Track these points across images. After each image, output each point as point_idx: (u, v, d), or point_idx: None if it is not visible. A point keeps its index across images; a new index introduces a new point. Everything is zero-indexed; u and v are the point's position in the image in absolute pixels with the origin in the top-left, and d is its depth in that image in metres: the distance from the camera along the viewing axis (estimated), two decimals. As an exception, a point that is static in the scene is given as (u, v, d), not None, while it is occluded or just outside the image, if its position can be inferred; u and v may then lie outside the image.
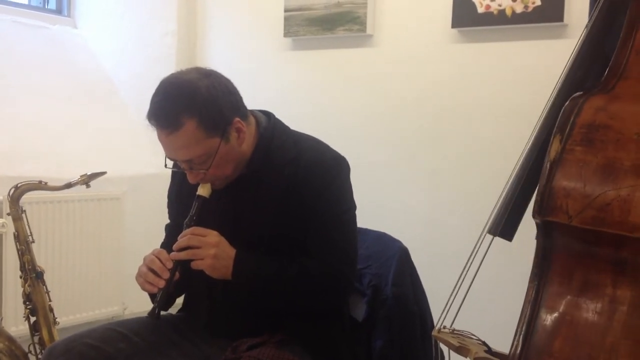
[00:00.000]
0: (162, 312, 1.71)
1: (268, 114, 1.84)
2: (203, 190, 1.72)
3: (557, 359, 0.98)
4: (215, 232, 1.68)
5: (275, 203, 1.72)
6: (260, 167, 1.75)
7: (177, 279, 1.69)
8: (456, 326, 1.28)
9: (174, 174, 1.92)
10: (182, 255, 1.66)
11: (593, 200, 0.94)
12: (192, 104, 1.61)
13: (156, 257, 1.69)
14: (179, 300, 1.93)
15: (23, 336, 2.48)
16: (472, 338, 1.26)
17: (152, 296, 1.71)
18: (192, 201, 1.73)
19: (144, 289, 1.71)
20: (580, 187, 0.96)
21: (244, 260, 1.68)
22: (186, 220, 1.72)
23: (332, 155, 1.78)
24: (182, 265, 1.69)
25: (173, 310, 1.91)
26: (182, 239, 1.67)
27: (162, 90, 1.66)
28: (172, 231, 1.88)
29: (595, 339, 0.96)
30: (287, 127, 1.84)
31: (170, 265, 1.67)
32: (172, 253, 1.68)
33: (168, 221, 1.97)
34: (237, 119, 1.68)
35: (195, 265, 1.66)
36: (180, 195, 1.88)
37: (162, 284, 1.66)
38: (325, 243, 1.72)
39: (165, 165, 1.75)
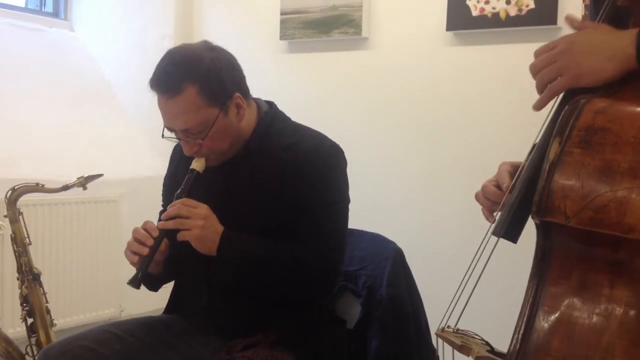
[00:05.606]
0: (158, 311, 1.71)
1: (270, 103, 1.87)
2: (197, 165, 1.72)
3: (555, 358, 0.99)
4: (205, 206, 1.68)
5: (270, 186, 1.72)
6: (257, 148, 1.76)
7: (163, 249, 1.69)
8: (459, 326, 1.29)
9: (171, 161, 1.94)
10: (170, 224, 1.65)
11: (590, 202, 0.95)
12: (195, 71, 1.64)
13: (142, 227, 1.69)
14: (165, 296, 1.93)
15: (20, 338, 2.48)
16: (475, 338, 1.27)
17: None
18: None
19: (130, 260, 1.70)
20: (578, 188, 0.97)
21: (231, 237, 1.68)
22: (177, 192, 1.71)
23: (330, 144, 1.79)
24: (173, 243, 1.68)
25: (158, 308, 1.89)
26: (172, 208, 1.67)
27: (167, 57, 1.69)
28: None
29: (592, 339, 0.97)
30: (287, 117, 1.86)
31: (156, 234, 1.66)
32: (160, 222, 1.68)
33: None
34: (238, 94, 1.71)
35: (181, 235, 1.65)
36: (175, 176, 1.88)
37: (145, 251, 1.65)
38: (316, 230, 1.71)
39: (163, 136, 1.76)
